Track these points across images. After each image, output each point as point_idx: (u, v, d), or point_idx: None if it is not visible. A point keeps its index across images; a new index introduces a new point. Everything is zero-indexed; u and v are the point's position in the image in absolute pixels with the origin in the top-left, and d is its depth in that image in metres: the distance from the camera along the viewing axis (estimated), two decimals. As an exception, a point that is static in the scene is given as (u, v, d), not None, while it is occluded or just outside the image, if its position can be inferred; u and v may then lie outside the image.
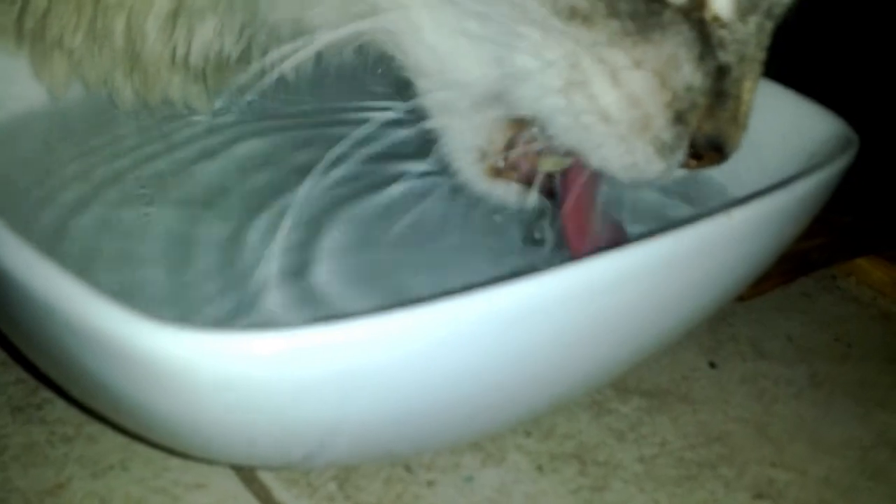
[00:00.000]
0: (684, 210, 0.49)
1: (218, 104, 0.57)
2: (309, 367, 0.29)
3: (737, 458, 0.46)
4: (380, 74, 0.45)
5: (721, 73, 0.37)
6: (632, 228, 0.44)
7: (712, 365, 0.53)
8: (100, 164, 0.52)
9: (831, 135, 0.46)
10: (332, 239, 0.47)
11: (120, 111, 0.53)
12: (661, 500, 0.43)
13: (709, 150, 0.38)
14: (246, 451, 0.34)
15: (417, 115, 0.41)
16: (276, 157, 0.55)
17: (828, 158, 0.42)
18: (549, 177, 0.40)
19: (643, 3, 0.35)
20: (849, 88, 0.59)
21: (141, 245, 0.46)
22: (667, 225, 0.35)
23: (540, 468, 0.44)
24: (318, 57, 0.48)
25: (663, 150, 0.37)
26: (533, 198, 0.41)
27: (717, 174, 0.49)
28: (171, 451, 0.40)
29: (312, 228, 0.47)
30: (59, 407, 0.44)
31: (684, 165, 0.38)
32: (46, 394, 0.45)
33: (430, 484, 0.42)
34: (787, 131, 0.47)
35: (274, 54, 0.41)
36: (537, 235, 0.45)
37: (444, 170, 0.42)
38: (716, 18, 0.36)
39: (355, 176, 0.50)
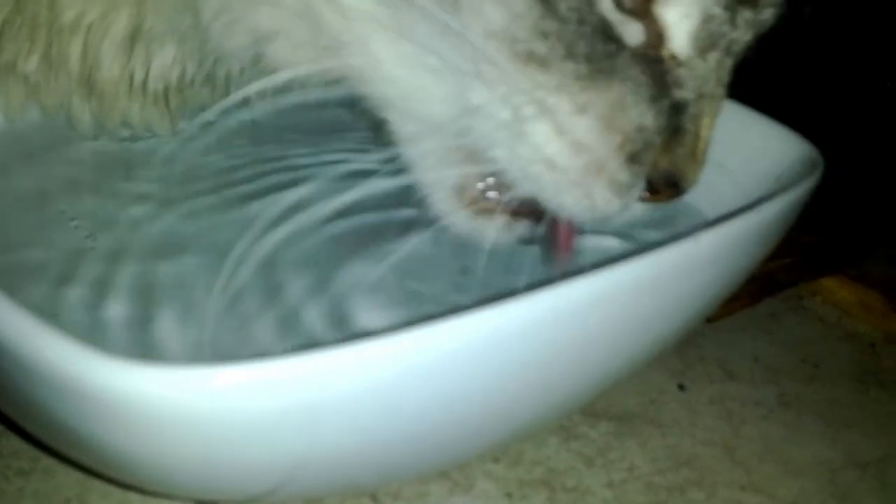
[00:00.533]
0: (653, 233, 0.49)
1: (182, 126, 0.56)
2: (269, 401, 0.28)
3: (706, 481, 0.46)
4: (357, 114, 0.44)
5: (677, 109, 0.36)
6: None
7: (681, 387, 0.53)
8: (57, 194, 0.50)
9: (797, 157, 0.46)
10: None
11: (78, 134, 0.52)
12: (632, 527, 0.42)
13: (665, 186, 0.37)
14: (207, 486, 0.34)
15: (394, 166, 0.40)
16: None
17: (794, 180, 0.42)
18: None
19: (601, 43, 0.34)
20: (812, 109, 0.59)
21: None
22: (634, 249, 0.35)
23: (509, 495, 0.43)
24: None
25: (620, 190, 0.36)
26: (520, 230, 0.41)
27: (687, 196, 0.49)
28: (129, 486, 0.39)
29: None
30: (14, 440, 0.43)
31: (642, 199, 0.38)
32: (1, 427, 0.43)
33: (398, 514, 0.41)
34: (754, 153, 0.48)
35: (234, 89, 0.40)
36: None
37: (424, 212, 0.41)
38: (673, 56, 0.36)
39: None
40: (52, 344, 0.27)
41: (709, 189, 0.47)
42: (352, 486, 0.39)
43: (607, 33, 0.34)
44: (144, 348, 0.39)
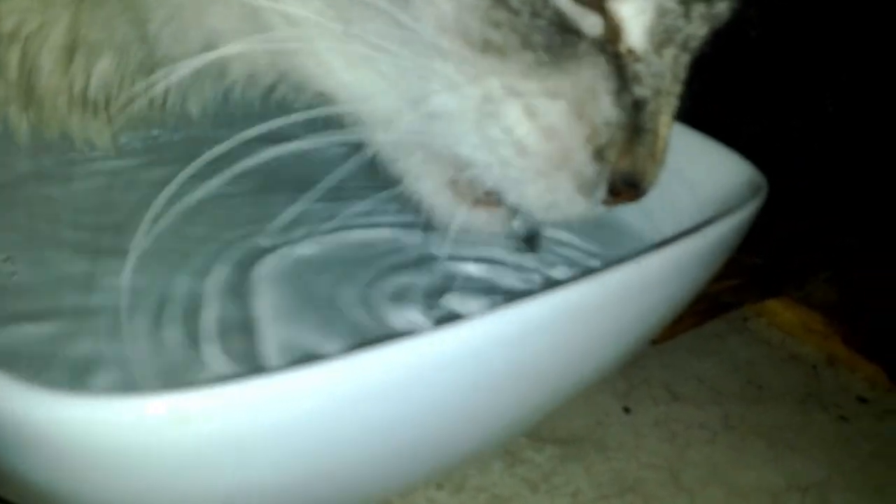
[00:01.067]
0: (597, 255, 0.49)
1: (123, 140, 0.55)
2: (198, 431, 0.27)
3: (651, 507, 0.45)
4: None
5: (637, 107, 0.36)
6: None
7: (626, 409, 0.53)
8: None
9: (741, 180, 0.46)
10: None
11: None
12: (575, 554, 0.42)
13: (626, 186, 0.37)
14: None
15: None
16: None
17: (738, 203, 0.42)
18: None
19: (558, 34, 0.34)
20: (755, 132, 0.60)
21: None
22: (576, 274, 0.34)
23: (452, 523, 0.42)
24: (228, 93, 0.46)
25: (584, 187, 0.36)
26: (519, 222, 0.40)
27: (632, 218, 0.49)
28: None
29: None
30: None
31: (603, 203, 0.37)
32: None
33: (337, 543, 0.40)
34: (699, 176, 0.48)
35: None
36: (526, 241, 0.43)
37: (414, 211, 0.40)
38: (630, 52, 0.36)
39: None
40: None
41: (654, 211, 0.47)
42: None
43: (565, 25, 0.34)
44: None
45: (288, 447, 0.29)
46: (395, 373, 0.29)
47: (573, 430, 0.50)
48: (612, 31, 0.35)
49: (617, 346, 0.40)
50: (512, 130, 0.35)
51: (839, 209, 0.66)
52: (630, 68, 0.36)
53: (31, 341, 0.40)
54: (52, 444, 0.26)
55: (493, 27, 0.34)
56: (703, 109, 0.49)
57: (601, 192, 0.36)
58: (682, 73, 0.38)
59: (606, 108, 0.35)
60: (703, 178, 0.47)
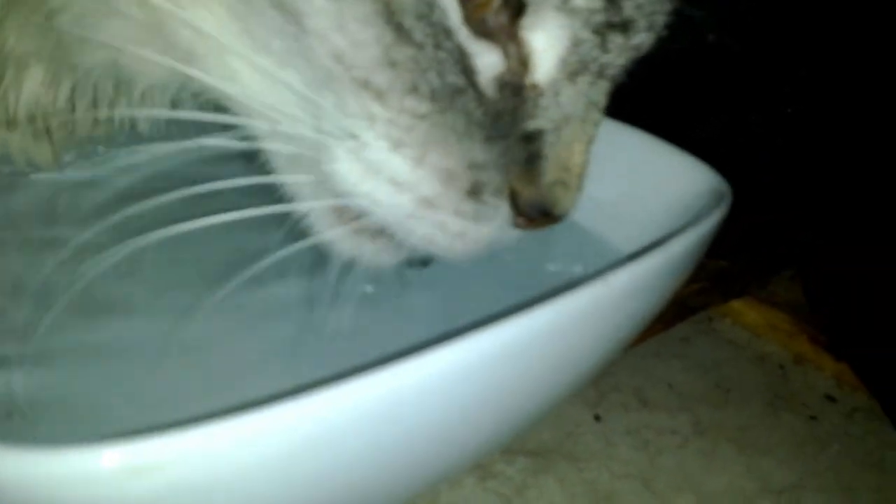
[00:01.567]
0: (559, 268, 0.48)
1: (67, 159, 0.53)
2: (152, 481, 0.25)
3: (624, 518, 0.45)
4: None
5: (530, 139, 0.35)
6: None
7: (597, 418, 0.52)
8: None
9: (705, 187, 0.46)
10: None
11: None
12: (550, 571, 0.41)
13: (535, 214, 0.37)
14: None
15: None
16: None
17: (702, 211, 0.42)
18: None
19: (450, 74, 0.33)
20: (715, 134, 0.60)
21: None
22: (544, 293, 0.33)
23: (425, 543, 0.42)
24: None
25: (472, 218, 0.35)
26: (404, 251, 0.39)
27: (597, 227, 0.48)
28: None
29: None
30: None
31: (517, 226, 0.37)
32: None
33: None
34: (663, 183, 0.47)
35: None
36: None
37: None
38: (534, 87, 0.35)
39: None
40: None
41: (619, 220, 0.46)
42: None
43: (461, 63, 0.33)
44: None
45: (251, 489, 0.28)
46: (354, 411, 0.28)
47: (544, 441, 0.49)
48: (520, 63, 0.35)
49: (586, 363, 0.39)
50: (383, 171, 0.34)
51: (801, 204, 0.66)
52: (528, 103, 0.35)
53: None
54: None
55: (382, 67, 0.33)
56: (660, 115, 0.49)
57: (502, 220, 0.36)
58: (601, 99, 0.37)
59: (468, 151, 0.34)
60: (668, 186, 0.47)
